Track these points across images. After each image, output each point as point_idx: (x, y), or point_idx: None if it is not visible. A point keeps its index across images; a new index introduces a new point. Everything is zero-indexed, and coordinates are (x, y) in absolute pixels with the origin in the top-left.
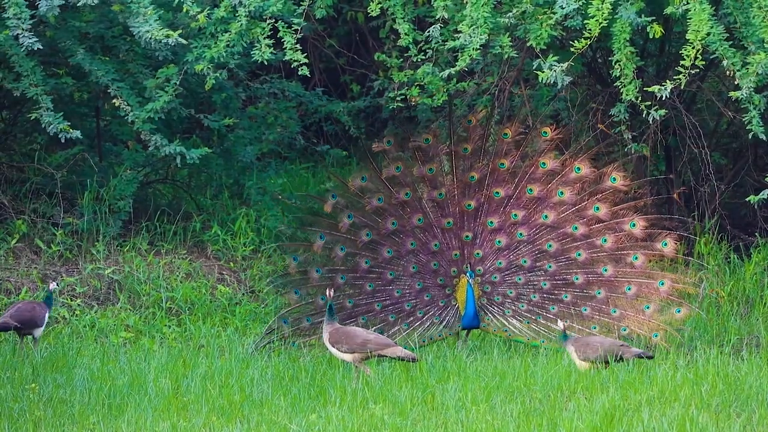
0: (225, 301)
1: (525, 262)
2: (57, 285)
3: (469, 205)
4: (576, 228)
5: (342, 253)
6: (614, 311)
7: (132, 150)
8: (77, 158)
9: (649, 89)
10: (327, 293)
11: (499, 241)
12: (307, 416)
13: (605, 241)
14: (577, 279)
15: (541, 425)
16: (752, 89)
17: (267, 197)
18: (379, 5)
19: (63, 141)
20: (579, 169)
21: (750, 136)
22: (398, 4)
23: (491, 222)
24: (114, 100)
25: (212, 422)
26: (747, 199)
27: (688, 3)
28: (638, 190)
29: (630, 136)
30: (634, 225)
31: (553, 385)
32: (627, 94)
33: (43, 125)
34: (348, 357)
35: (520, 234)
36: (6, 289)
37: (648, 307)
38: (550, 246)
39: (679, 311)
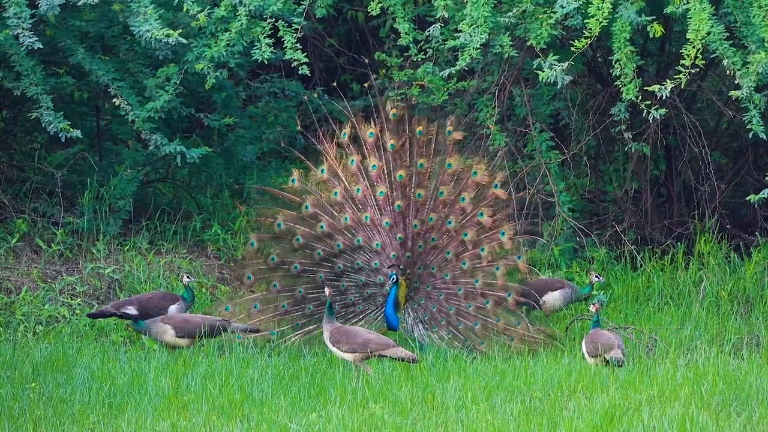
0: (225, 301)
1: (434, 269)
2: (190, 278)
3: (399, 205)
4: (467, 235)
5: (298, 243)
6: (476, 324)
7: (132, 149)
8: (77, 157)
9: (649, 88)
10: (326, 291)
11: (421, 246)
12: (307, 415)
13: (483, 250)
14: (459, 291)
15: (541, 424)
16: (752, 88)
17: (267, 197)
18: (380, 4)
19: (63, 140)
20: (476, 173)
21: (750, 136)
22: (398, 3)
23: (415, 225)
24: (114, 100)
25: (212, 421)
26: (747, 199)
27: (688, 2)
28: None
29: (630, 136)
30: (504, 234)
31: (553, 384)
32: (627, 94)
33: (43, 124)
34: (349, 356)
35: (434, 239)
36: (6, 288)
37: (498, 320)
38: (449, 253)
39: (519, 324)
